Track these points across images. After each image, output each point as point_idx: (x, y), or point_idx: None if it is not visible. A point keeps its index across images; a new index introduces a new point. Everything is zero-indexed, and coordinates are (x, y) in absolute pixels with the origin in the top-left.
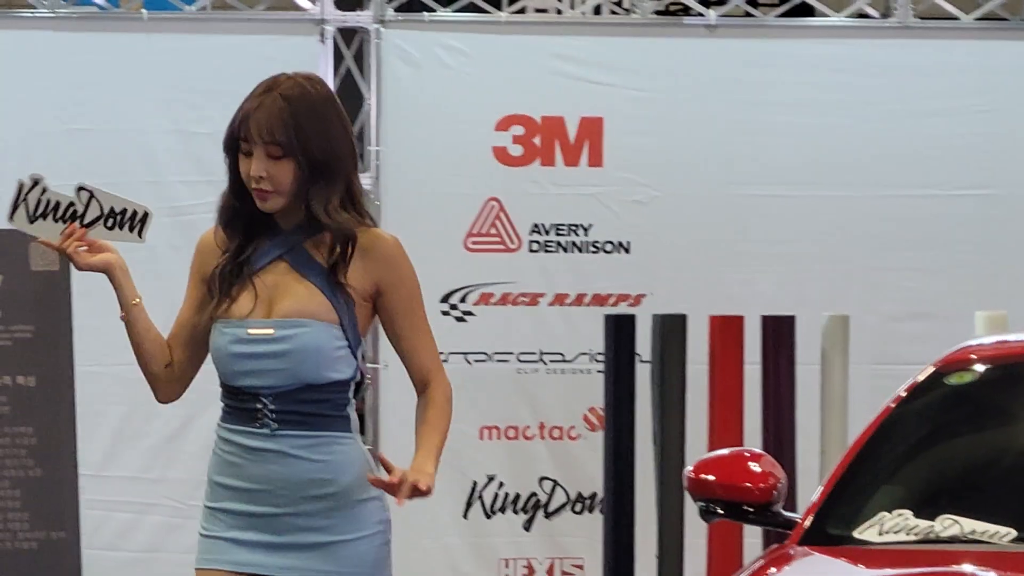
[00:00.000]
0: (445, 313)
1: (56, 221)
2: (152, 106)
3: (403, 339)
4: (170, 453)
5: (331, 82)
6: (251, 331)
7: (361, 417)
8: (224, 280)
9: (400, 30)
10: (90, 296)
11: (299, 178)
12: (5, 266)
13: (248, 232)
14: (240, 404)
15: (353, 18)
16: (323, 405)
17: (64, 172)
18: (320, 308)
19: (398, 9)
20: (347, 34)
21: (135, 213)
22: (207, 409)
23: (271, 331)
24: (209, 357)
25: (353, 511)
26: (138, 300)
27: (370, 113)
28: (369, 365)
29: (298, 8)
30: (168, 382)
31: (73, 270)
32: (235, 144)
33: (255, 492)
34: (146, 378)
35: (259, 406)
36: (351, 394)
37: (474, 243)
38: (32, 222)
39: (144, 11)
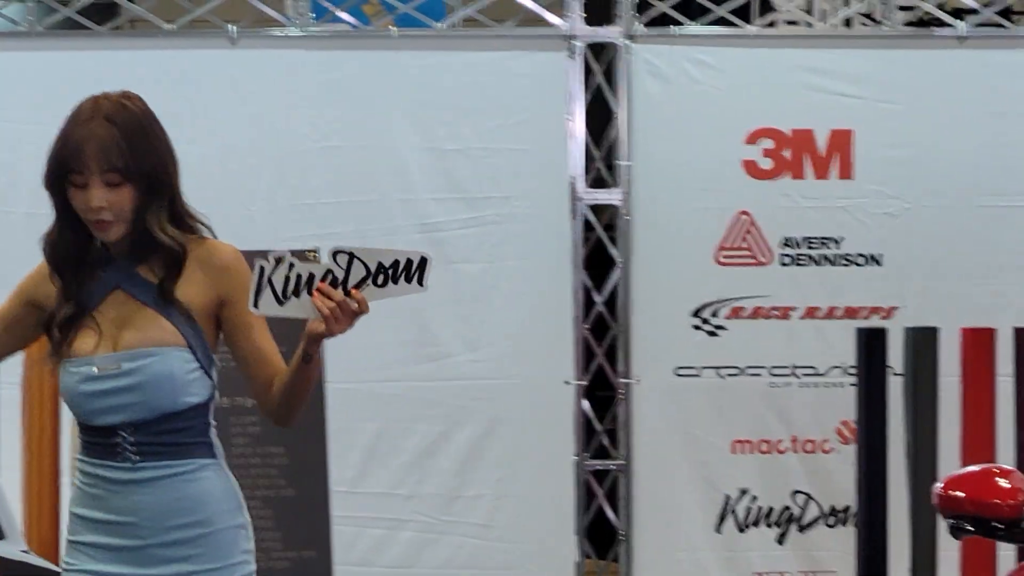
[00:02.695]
0: (696, 328)
1: (312, 295)
2: (403, 123)
3: (252, 349)
4: (424, 469)
5: (581, 97)
6: (98, 368)
7: (613, 432)
8: (65, 325)
9: (649, 45)
10: None
11: (137, 201)
12: None
13: (79, 267)
14: (98, 440)
15: (603, 33)
16: (184, 433)
17: (317, 190)
18: (164, 333)
19: (648, 24)
20: (596, 49)
21: (409, 262)
22: (464, 426)
23: (118, 366)
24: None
25: (218, 540)
26: None
27: (620, 128)
28: (621, 380)
29: (547, 24)
30: None
31: None
32: (63, 178)
33: (119, 524)
34: None
35: (118, 440)
36: (211, 417)
37: (725, 257)
38: (283, 303)
39: (394, 28)
